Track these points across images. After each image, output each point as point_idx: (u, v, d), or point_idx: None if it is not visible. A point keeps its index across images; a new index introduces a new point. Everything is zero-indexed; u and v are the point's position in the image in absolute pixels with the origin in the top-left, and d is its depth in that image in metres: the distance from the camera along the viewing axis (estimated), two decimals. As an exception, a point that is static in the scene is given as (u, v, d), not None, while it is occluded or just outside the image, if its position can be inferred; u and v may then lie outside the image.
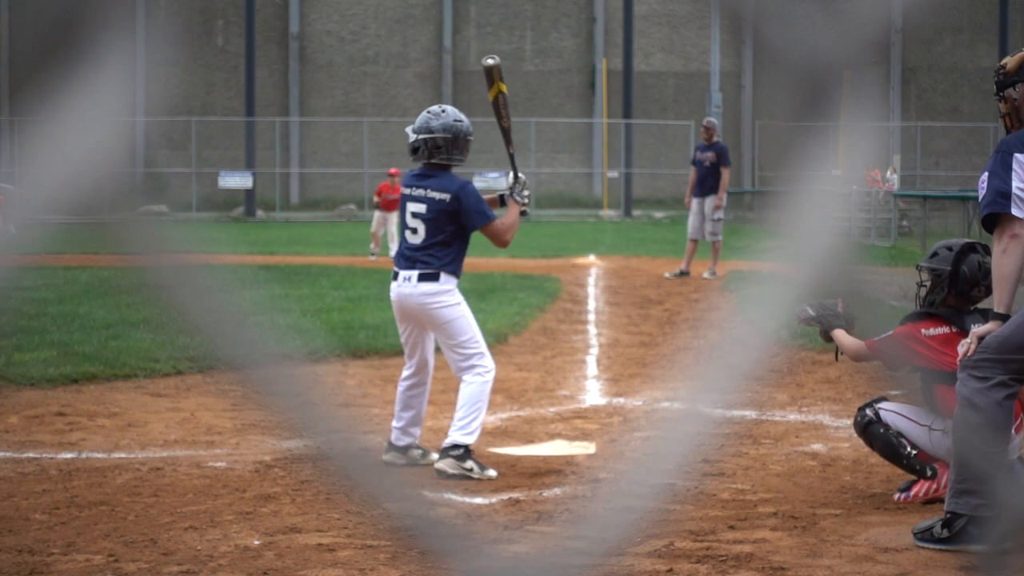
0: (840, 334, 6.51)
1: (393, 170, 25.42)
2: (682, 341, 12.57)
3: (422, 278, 6.94)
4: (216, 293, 1.51)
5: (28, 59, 1.36)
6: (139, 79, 46.60)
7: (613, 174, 47.69)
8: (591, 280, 19.57)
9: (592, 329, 13.64)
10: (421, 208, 7.00)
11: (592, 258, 24.11)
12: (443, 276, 6.95)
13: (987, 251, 6.41)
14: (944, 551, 5.31)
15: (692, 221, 19.73)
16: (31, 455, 7.32)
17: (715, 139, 19.82)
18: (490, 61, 7.18)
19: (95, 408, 8.82)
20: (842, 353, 6.64)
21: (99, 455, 7.36)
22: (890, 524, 5.79)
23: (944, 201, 32.89)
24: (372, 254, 24.20)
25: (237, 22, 48.99)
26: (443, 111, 7.08)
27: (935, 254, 6.37)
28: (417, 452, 7.17)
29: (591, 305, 16.07)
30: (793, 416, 8.56)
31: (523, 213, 7.29)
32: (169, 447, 7.62)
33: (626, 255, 25.14)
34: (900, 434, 6.31)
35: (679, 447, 2.05)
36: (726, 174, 19.55)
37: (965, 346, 5.46)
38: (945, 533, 5.34)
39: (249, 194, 45.37)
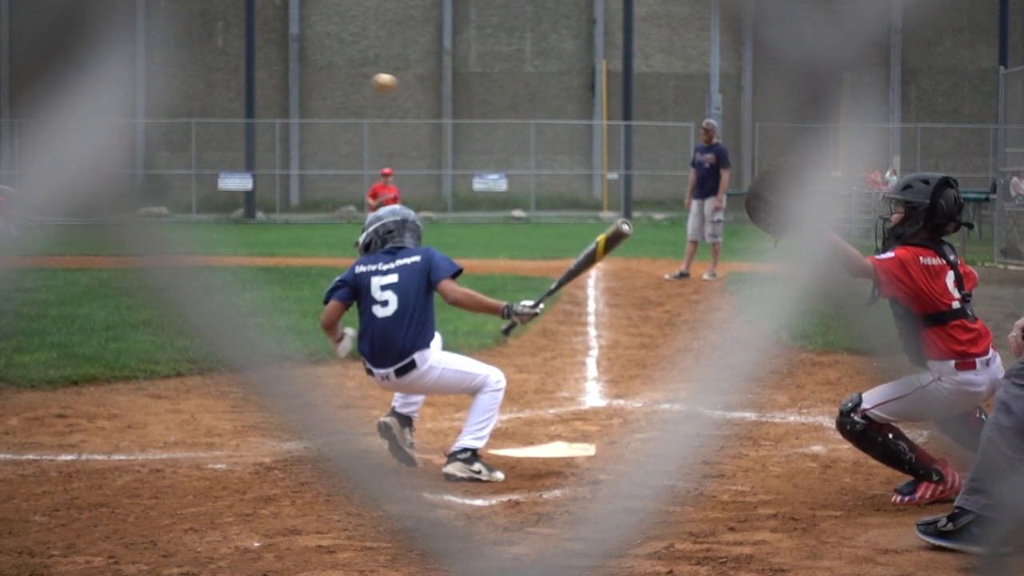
0: (832, 237, 5.77)
1: (386, 170, 25.13)
2: (682, 343, 12.57)
3: (400, 372, 6.91)
4: (216, 295, 1.51)
5: (28, 61, 1.35)
6: (139, 81, 46.58)
7: (613, 176, 47.68)
8: (591, 282, 19.56)
9: (592, 331, 13.63)
10: (392, 278, 6.97)
11: (592, 259, 24.07)
12: (418, 357, 6.90)
13: (959, 186, 6.40)
14: (944, 547, 5.31)
15: (692, 223, 19.72)
16: (31, 457, 7.32)
17: (715, 140, 19.81)
18: (625, 228, 7.20)
19: (95, 410, 8.82)
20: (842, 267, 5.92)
21: (99, 457, 7.36)
22: (890, 526, 5.79)
23: (944, 202, 32.84)
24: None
25: (237, 24, 48.99)
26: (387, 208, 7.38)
27: (908, 186, 6.23)
28: (408, 437, 7.19)
29: (591, 307, 16.07)
30: (793, 418, 8.55)
31: (507, 330, 7.26)
32: (169, 449, 7.62)
33: (626, 256, 25.14)
34: (897, 437, 6.27)
35: (679, 449, 2.05)
36: (726, 175, 19.54)
37: (1015, 340, 5.46)
38: (949, 527, 5.33)
39: (249, 196, 45.37)
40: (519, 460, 7.31)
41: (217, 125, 48.78)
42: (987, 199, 27.16)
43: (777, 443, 7.72)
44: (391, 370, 6.89)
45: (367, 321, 6.99)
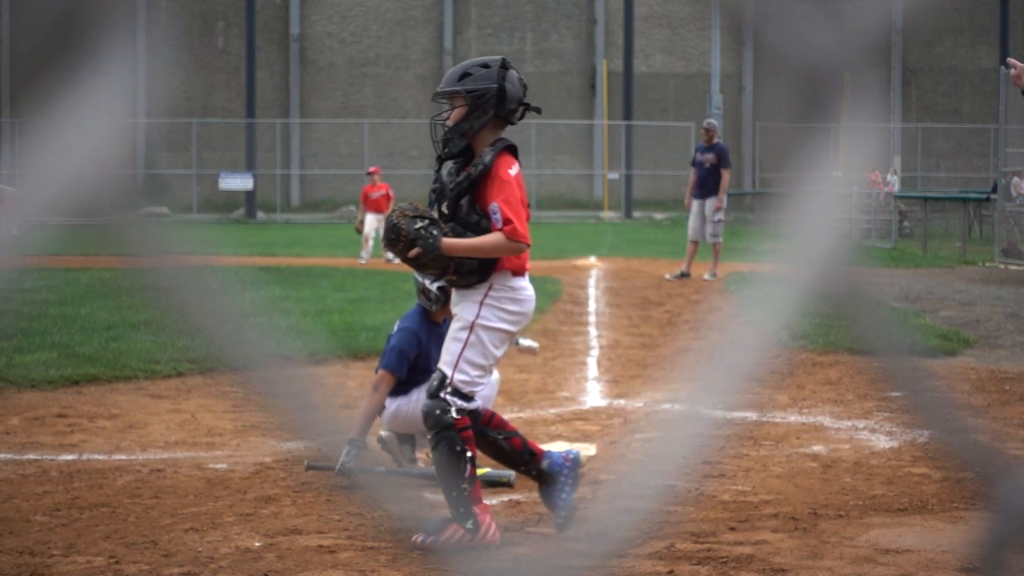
0: (454, 243, 5.43)
1: (372, 168, 24.76)
2: (683, 343, 12.57)
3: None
4: (217, 294, 1.51)
5: (29, 60, 1.36)
6: (140, 81, 46.61)
7: (613, 175, 47.71)
8: (592, 281, 19.57)
9: (593, 331, 13.64)
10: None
11: (593, 259, 24.11)
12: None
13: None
14: (944, 552, 5.31)
15: (692, 223, 19.72)
16: (32, 457, 7.32)
17: (715, 140, 19.82)
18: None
19: (96, 410, 8.82)
20: (472, 261, 5.42)
21: (100, 457, 7.36)
22: (891, 526, 5.79)
23: (945, 202, 32.88)
24: (362, 258, 23.55)
25: (238, 24, 49.00)
26: None
27: (467, 75, 5.45)
28: (410, 453, 7.15)
29: (592, 307, 16.07)
30: (794, 418, 8.55)
31: (314, 466, 6.70)
32: (170, 449, 7.62)
33: (627, 256, 25.15)
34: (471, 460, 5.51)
35: (680, 449, 2.05)
36: (726, 176, 19.55)
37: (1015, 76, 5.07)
38: None
39: (250, 195, 45.40)
40: (520, 460, 7.31)
41: (217, 125, 48.79)
42: (988, 199, 27.18)
43: (778, 443, 7.72)
44: None
45: None
